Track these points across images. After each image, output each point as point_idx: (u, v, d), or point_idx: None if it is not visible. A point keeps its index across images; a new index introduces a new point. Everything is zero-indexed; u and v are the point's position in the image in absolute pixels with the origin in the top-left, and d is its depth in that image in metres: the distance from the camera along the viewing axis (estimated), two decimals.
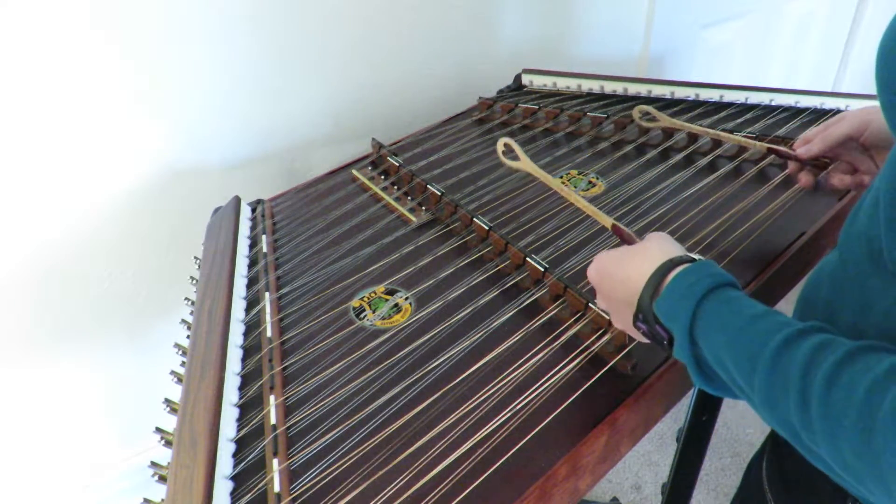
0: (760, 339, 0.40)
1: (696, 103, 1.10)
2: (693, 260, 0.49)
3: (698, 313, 0.44)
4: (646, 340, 0.52)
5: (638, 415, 0.60)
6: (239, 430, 0.59)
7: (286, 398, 0.62)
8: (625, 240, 0.60)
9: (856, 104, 1.01)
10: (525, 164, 0.73)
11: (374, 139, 1.03)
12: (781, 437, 0.58)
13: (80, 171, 0.93)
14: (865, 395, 0.34)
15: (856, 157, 0.72)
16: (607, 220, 0.63)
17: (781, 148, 0.78)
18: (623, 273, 0.52)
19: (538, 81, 1.23)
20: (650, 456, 1.59)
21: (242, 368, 0.67)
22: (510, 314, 0.68)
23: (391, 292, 0.74)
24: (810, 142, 0.73)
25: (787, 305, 0.57)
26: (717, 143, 0.95)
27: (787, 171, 0.82)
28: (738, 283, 0.47)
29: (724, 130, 0.92)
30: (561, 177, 0.93)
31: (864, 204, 0.46)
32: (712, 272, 0.46)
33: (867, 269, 0.45)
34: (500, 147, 0.74)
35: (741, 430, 1.64)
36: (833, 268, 0.51)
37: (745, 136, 0.87)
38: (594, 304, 0.64)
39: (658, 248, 0.51)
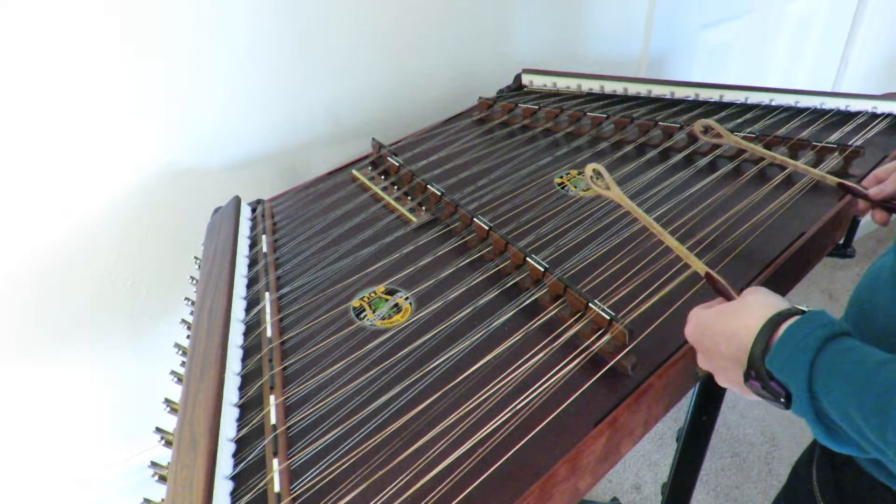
0: (891, 388, 0.38)
1: (697, 103, 1.10)
2: (801, 311, 0.46)
3: (817, 366, 0.42)
4: (757, 398, 0.50)
5: (638, 415, 0.60)
6: (239, 430, 0.59)
7: (286, 398, 0.62)
8: (719, 290, 0.57)
9: (856, 104, 1.01)
10: (613, 193, 0.72)
11: (374, 139, 1.03)
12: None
13: (80, 171, 0.93)
14: None
15: None
16: (701, 267, 0.60)
17: (854, 185, 0.75)
18: (727, 329, 0.49)
19: (538, 81, 1.23)
20: (650, 456, 1.59)
21: (242, 368, 0.67)
22: (510, 314, 0.68)
23: (391, 292, 0.74)
24: (882, 181, 0.70)
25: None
26: (716, 143, 0.95)
27: (806, 183, 0.79)
28: (851, 330, 0.45)
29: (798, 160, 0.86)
30: (561, 177, 0.93)
31: None
32: (825, 322, 0.44)
33: None
34: (588, 172, 0.72)
35: (741, 430, 1.64)
36: (891, 272, 0.49)
37: (817, 169, 0.82)
38: (594, 303, 0.64)
39: (760, 302, 0.49)
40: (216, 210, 0.98)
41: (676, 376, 0.63)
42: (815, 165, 0.87)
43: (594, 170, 0.72)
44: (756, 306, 0.49)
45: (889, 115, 0.98)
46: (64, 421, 1.10)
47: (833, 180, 0.78)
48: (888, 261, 0.50)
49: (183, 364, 0.73)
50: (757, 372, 0.47)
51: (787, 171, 0.87)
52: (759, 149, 0.85)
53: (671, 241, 0.65)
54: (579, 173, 0.94)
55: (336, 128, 1.16)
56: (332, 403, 0.60)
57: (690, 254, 0.62)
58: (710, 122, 0.88)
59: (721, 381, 0.53)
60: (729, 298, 0.55)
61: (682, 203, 0.83)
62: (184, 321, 0.80)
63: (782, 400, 0.46)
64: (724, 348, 0.50)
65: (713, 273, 0.58)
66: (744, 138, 0.93)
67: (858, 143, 0.88)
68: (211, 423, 0.57)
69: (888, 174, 0.70)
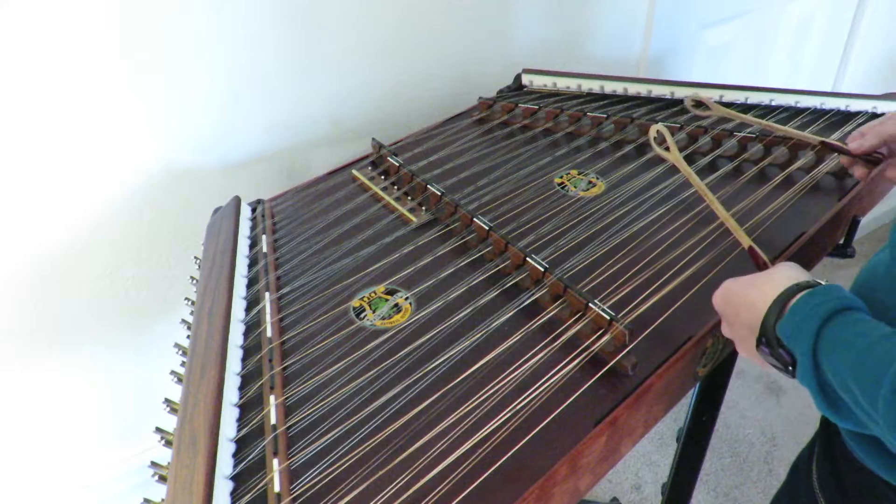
0: (887, 358, 0.39)
1: (696, 103, 1.10)
2: (819, 284, 0.47)
3: (822, 334, 0.43)
4: (770, 368, 0.51)
5: (638, 415, 0.60)
6: (239, 430, 0.59)
7: (286, 398, 0.62)
8: (758, 264, 0.59)
9: (856, 104, 1.01)
10: (674, 156, 0.73)
11: (374, 139, 1.03)
12: (832, 440, 0.58)
13: (80, 170, 0.93)
14: None
15: None
16: (745, 240, 0.62)
17: (834, 142, 0.78)
18: (748, 298, 0.51)
19: (538, 81, 1.23)
20: (650, 456, 1.59)
21: (242, 368, 0.67)
22: (510, 314, 0.68)
23: (391, 292, 0.74)
24: (864, 136, 0.72)
25: None
26: (716, 143, 0.95)
27: (844, 165, 0.81)
28: (865, 307, 0.45)
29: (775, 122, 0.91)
30: (561, 177, 0.93)
31: None
32: (839, 295, 0.45)
33: None
34: (652, 132, 0.73)
35: (741, 430, 1.64)
36: (887, 269, 0.50)
37: (800, 130, 0.86)
38: (594, 303, 0.64)
39: (784, 275, 0.50)
40: (216, 210, 0.98)
41: (676, 376, 0.63)
42: (815, 165, 0.87)
43: (658, 131, 0.73)
44: (779, 277, 0.50)
45: None
46: (64, 421, 1.10)
47: (815, 139, 0.81)
48: (884, 257, 0.51)
49: (183, 364, 0.73)
50: (768, 339, 0.48)
51: (787, 170, 0.87)
52: (743, 116, 0.89)
53: (721, 211, 0.67)
54: (580, 173, 0.94)
55: (336, 128, 1.16)
56: (332, 403, 0.60)
57: (739, 226, 0.64)
58: (701, 96, 0.92)
59: (741, 349, 0.55)
60: (764, 267, 0.57)
61: (682, 203, 0.83)
62: (184, 321, 0.80)
63: (790, 368, 0.47)
64: (744, 316, 0.51)
65: (755, 247, 0.60)
66: (743, 138, 0.93)
67: None
68: (211, 423, 0.57)
69: (870, 129, 0.72)
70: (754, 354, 0.52)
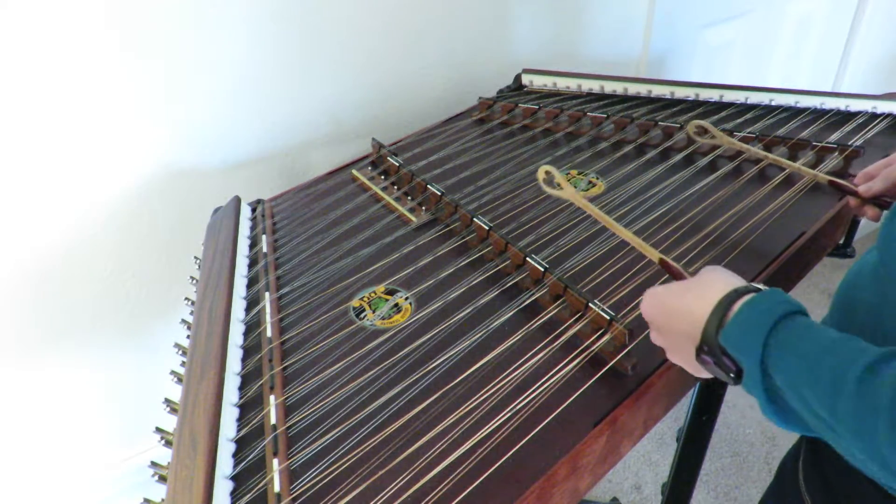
0: (842, 366, 0.39)
1: (696, 103, 1.10)
2: (758, 289, 0.47)
3: (770, 343, 0.43)
4: (708, 375, 0.50)
5: (638, 415, 0.60)
6: (239, 430, 0.59)
7: (286, 398, 0.62)
8: (674, 275, 0.58)
9: (856, 104, 1.01)
10: (567, 192, 0.71)
11: (374, 139, 1.03)
12: (819, 439, 0.58)
13: (80, 171, 0.93)
14: None
15: None
16: (654, 254, 0.60)
17: (844, 182, 0.76)
18: (684, 306, 0.49)
19: (538, 81, 1.23)
20: (650, 456, 1.59)
21: (242, 368, 0.67)
22: (510, 314, 0.68)
23: (391, 292, 0.74)
24: (872, 178, 0.71)
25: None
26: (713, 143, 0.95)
27: (802, 183, 0.80)
28: (806, 310, 0.45)
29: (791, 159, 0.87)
30: None
31: None
32: (781, 299, 0.44)
33: None
34: (540, 175, 0.71)
35: (741, 430, 1.64)
36: (873, 269, 0.49)
37: (805, 166, 0.83)
38: (594, 304, 0.64)
39: (719, 280, 0.49)
40: (216, 210, 0.98)
41: (676, 376, 0.63)
42: (815, 165, 0.87)
43: (546, 171, 0.70)
44: (713, 283, 0.49)
45: (889, 115, 0.98)
46: (64, 421, 1.10)
47: (824, 178, 0.79)
48: (871, 258, 0.51)
49: (183, 364, 0.73)
50: (710, 347, 0.47)
51: (786, 172, 0.87)
52: (749, 148, 0.85)
53: (628, 235, 0.64)
54: (580, 173, 0.94)
55: (336, 128, 1.16)
56: (332, 403, 0.60)
57: (644, 242, 0.62)
58: (704, 123, 0.87)
59: (672, 357, 0.53)
60: (681, 278, 0.55)
61: (682, 203, 0.83)
62: (184, 321, 0.80)
63: (732, 375, 0.46)
64: (679, 325, 0.50)
65: (666, 259, 0.58)
66: (744, 139, 0.93)
67: (858, 143, 0.88)
68: (211, 423, 0.57)
69: (878, 171, 0.70)
70: (691, 362, 0.50)
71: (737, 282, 0.48)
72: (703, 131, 0.89)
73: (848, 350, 0.40)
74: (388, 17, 1.12)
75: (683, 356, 0.51)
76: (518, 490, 0.51)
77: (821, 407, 0.40)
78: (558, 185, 0.70)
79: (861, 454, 0.40)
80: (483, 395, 0.58)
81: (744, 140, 0.93)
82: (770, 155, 0.85)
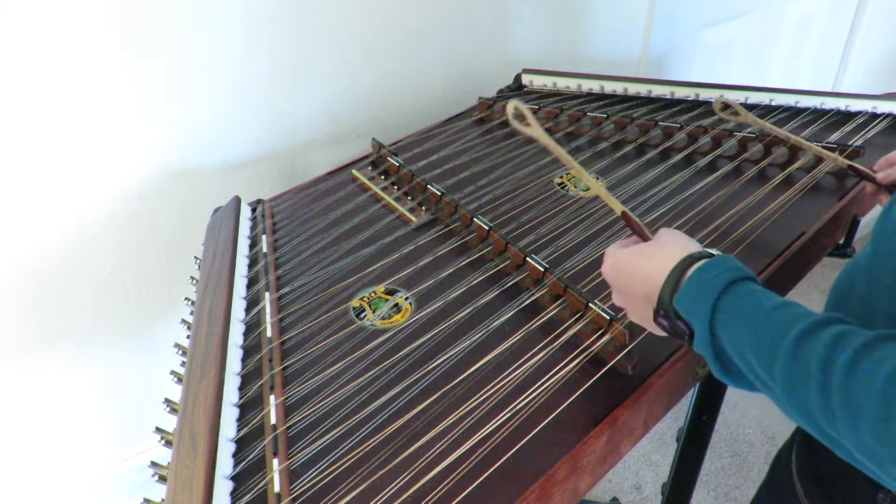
0: (781, 330, 0.41)
1: (696, 103, 1.10)
2: (712, 255, 0.49)
3: (718, 307, 0.45)
4: (664, 335, 0.53)
5: (638, 415, 0.60)
6: (239, 430, 0.59)
7: (286, 398, 0.62)
8: (634, 230, 0.59)
9: (856, 104, 1.01)
10: (535, 129, 0.70)
11: (374, 139, 1.03)
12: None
13: (80, 171, 0.93)
14: (886, 382, 0.35)
15: None
16: (618, 206, 0.61)
17: (863, 168, 0.76)
18: (642, 270, 0.52)
19: (538, 81, 1.23)
20: (650, 456, 1.59)
21: (242, 368, 0.67)
22: (510, 314, 0.68)
23: (391, 292, 0.74)
24: (893, 164, 0.71)
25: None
26: (716, 143, 0.95)
27: (861, 187, 0.80)
28: (756, 277, 0.47)
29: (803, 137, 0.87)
30: (561, 177, 0.93)
31: None
32: (731, 266, 0.47)
33: None
34: (510, 110, 0.71)
35: (741, 430, 1.64)
36: (867, 262, 0.51)
37: (824, 148, 0.84)
38: (594, 304, 0.64)
39: (676, 244, 0.51)
40: (216, 210, 0.98)
41: (676, 376, 0.63)
42: (815, 165, 0.87)
43: (515, 107, 0.69)
44: (670, 248, 0.51)
45: (889, 115, 0.98)
46: (64, 421, 1.10)
47: (844, 162, 0.79)
48: (866, 252, 0.52)
49: (183, 364, 0.73)
50: (665, 311, 0.49)
51: (787, 170, 0.87)
52: (772, 127, 0.85)
53: (593, 183, 0.63)
54: None
55: (336, 128, 1.16)
56: (332, 403, 0.60)
57: (609, 194, 0.62)
58: (729, 99, 0.87)
59: (633, 317, 0.56)
60: (645, 239, 0.56)
61: (682, 203, 0.83)
62: (184, 321, 0.80)
63: (687, 337, 0.49)
64: (639, 288, 0.52)
65: (629, 212, 0.59)
66: (743, 138, 0.93)
67: (858, 143, 0.88)
68: (211, 423, 0.57)
69: None
70: (649, 323, 0.53)
71: (692, 247, 0.51)
72: (726, 107, 0.88)
73: (788, 315, 0.42)
74: (388, 17, 1.12)
75: (642, 317, 0.54)
76: (518, 490, 0.51)
77: (760, 368, 0.42)
78: (526, 124, 0.69)
79: (795, 417, 0.42)
80: (483, 395, 0.58)
81: (744, 140, 0.93)
82: (792, 136, 0.84)
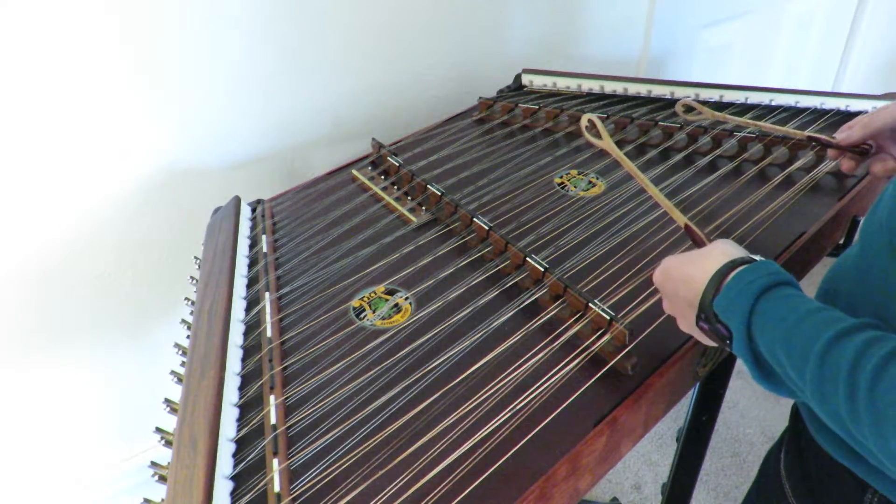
0: (813, 334, 0.41)
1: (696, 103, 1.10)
2: (754, 260, 0.50)
3: (755, 310, 0.45)
4: (710, 342, 0.53)
5: (638, 415, 0.60)
6: (239, 430, 0.59)
7: (286, 398, 0.62)
8: (695, 241, 0.61)
9: (856, 104, 1.01)
10: (606, 143, 0.74)
11: (374, 139, 1.03)
12: (799, 429, 0.59)
13: (80, 170, 0.93)
14: None
15: None
16: (681, 219, 0.63)
17: (822, 136, 0.79)
18: (686, 275, 0.52)
19: (538, 81, 1.23)
20: (650, 456, 1.59)
21: (242, 368, 0.67)
22: (510, 314, 0.68)
23: (391, 292, 0.74)
24: (851, 129, 0.73)
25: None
26: (716, 143, 0.95)
27: (833, 163, 0.82)
28: (796, 281, 0.47)
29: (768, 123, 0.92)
30: (561, 177, 0.93)
31: (886, 195, 0.47)
32: (770, 270, 0.47)
33: (888, 260, 0.45)
34: (583, 122, 0.74)
35: (741, 430, 1.64)
36: (855, 260, 0.51)
37: (787, 128, 0.88)
38: (594, 303, 0.64)
39: (720, 251, 0.52)
40: (216, 210, 0.98)
41: (676, 376, 0.63)
42: (815, 165, 0.87)
43: (589, 119, 0.75)
44: (714, 254, 0.52)
45: None
46: (64, 421, 1.10)
47: (801, 134, 0.83)
48: (854, 250, 0.53)
49: (183, 364, 0.73)
50: (706, 314, 0.50)
51: (787, 170, 0.87)
52: (735, 118, 0.91)
53: (659, 196, 0.68)
54: (580, 173, 0.94)
55: (336, 128, 1.16)
56: (332, 403, 0.60)
57: (674, 206, 0.65)
58: (690, 101, 0.93)
59: (682, 325, 0.57)
60: (702, 244, 0.58)
61: (682, 203, 0.83)
62: (184, 321, 0.80)
63: (727, 341, 0.49)
64: (683, 293, 0.53)
65: (691, 224, 0.61)
66: (744, 138, 0.93)
67: None
68: (211, 423, 0.57)
69: (857, 122, 0.72)
70: (694, 329, 0.53)
71: (736, 253, 0.51)
72: (689, 109, 0.96)
73: (822, 319, 0.42)
74: (388, 17, 1.12)
75: (688, 324, 0.54)
76: (518, 490, 0.51)
77: (793, 371, 0.42)
78: (598, 136, 0.74)
79: (826, 419, 0.42)
80: (483, 395, 0.58)
81: (744, 140, 0.93)
82: (752, 122, 0.90)
